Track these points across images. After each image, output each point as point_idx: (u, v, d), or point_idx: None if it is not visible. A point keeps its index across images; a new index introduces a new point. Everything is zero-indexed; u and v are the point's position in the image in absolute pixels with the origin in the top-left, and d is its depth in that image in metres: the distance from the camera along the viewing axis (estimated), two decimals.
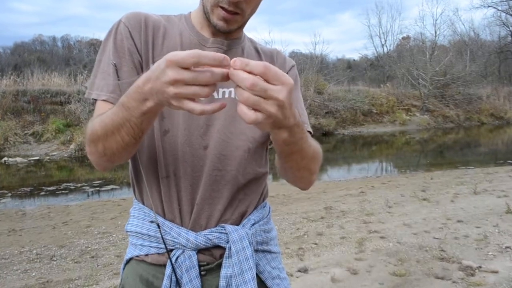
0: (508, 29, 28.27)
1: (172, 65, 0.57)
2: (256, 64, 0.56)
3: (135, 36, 0.86)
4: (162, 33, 0.89)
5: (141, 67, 0.86)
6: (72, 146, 11.80)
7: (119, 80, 0.83)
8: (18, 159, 10.58)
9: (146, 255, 0.89)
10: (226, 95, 0.89)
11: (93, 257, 3.69)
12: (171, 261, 0.84)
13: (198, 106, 0.59)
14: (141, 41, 0.86)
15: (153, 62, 0.85)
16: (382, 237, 4.01)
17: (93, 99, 0.85)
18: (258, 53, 0.99)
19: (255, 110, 0.57)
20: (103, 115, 0.74)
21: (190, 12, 0.95)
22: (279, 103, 0.58)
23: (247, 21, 0.89)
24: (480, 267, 3.16)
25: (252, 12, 0.86)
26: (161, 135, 0.86)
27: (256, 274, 0.89)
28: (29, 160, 10.72)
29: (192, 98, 0.59)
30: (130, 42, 0.85)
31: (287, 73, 0.97)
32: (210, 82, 0.57)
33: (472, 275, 3.03)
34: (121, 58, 0.84)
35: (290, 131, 0.67)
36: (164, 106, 0.64)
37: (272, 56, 1.00)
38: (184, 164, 0.86)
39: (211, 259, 0.88)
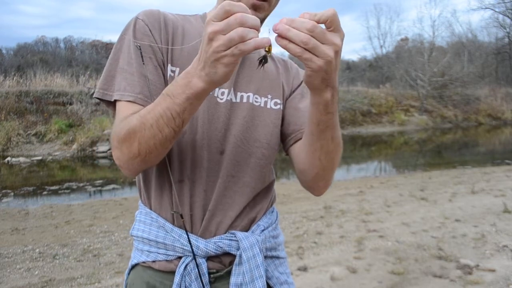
0: (505, 31, 28.27)
1: (212, 31, 0.56)
2: (309, 16, 0.57)
3: (155, 34, 0.81)
4: (181, 32, 0.85)
5: (164, 67, 0.82)
6: (74, 146, 11.81)
7: (144, 72, 0.79)
8: (21, 159, 10.58)
9: (153, 261, 0.86)
10: (244, 100, 0.88)
11: (95, 255, 3.71)
12: (198, 269, 0.81)
13: (250, 41, 0.56)
14: (161, 40, 0.82)
15: (172, 62, 0.83)
16: (380, 236, 4.03)
17: (115, 100, 0.78)
18: (273, 60, 0.99)
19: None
20: (142, 111, 0.70)
21: (205, 12, 0.94)
22: (336, 48, 0.57)
23: (270, 13, 0.88)
24: (478, 265, 3.19)
25: (276, 2, 0.87)
26: None
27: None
28: (32, 160, 10.72)
29: (243, 51, 0.56)
30: (151, 40, 0.80)
31: (300, 83, 0.98)
32: (246, 22, 0.56)
33: (470, 273, 3.06)
34: (144, 56, 0.78)
35: (333, 93, 0.65)
36: (213, 85, 0.62)
37: (286, 65, 1.00)
38: (200, 169, 0.83)
39: (220, 266, 0.86)
